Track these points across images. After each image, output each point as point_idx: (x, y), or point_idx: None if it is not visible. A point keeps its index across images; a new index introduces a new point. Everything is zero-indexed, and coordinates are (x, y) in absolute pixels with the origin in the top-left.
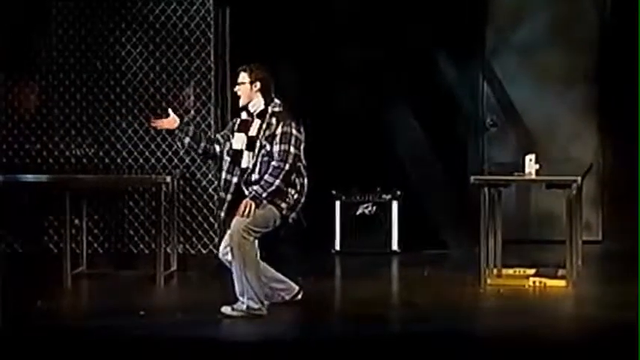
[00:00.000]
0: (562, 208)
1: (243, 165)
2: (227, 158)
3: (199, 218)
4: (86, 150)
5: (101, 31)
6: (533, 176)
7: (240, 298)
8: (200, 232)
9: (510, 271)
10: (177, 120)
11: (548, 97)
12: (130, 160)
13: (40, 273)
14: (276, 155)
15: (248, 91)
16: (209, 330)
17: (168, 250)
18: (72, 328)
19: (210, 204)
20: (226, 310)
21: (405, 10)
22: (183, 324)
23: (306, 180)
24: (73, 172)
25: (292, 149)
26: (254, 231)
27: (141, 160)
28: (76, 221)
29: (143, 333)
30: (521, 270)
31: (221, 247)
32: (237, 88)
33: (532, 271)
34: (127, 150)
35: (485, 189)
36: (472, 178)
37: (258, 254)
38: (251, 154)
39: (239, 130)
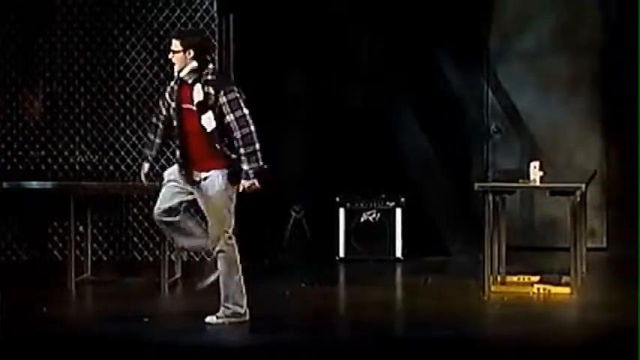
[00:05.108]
0: (566, 215)
1: (209, 129)
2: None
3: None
4: (90, 157)
5: (105, 37)
6: (538, 183)
7: (225, 304)
8: None
9: (514, 278)
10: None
11: (553, 103)
12: (134, 167)
13: (45, 280)
14: (236, 124)
15: (181, 59)
16: (214, 337)
17: (173, 257)
18: (76, 335)
19: None
20: (211, 319)
21: (410, 17)
22: (187, 331)
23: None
24: (78, 178)
25: (246, 111)
26: (231, 226)
27: None
28: (81, 228)
29: (147, 340)
30: (526, 277)
31: (157, 208)
32: (172, 55)
33: (536, 278)
34: (131, 157)
35: (490, 196)
36: (476, 184)
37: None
38: (209, 114)
39: (173, 97)
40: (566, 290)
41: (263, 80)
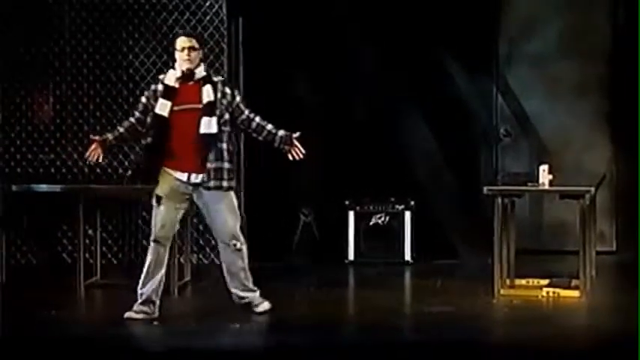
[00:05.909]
0: (575, 219)
1: (204, 130)
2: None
3: None
4: (99, 160)
5: (114, 40)
6: (547, 186)
7: (255, 289)
8: (213, 242)
9: (523, 282)
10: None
11: (562, 107)
12: None
13: (54, 283)
14: (252, 114)
15: (198, 57)
16: (223, 339)
17: (182, 260)
18: (85, 338)
19: None
20: (263, 308)
21: (419, 22)
22: (197, 333)
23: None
24: (87, 182)
25: None
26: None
27: None
28: (90, 231)
29: (157, 343)
30: (535, 280)
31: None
32: (188, 52)
33: (545, 281)
34: None
35: (499, 199)
36: (485, 188)
37: None
38: (213, 119)
39: (169, 97)
40: (576, 293)
41: (272, 83)
